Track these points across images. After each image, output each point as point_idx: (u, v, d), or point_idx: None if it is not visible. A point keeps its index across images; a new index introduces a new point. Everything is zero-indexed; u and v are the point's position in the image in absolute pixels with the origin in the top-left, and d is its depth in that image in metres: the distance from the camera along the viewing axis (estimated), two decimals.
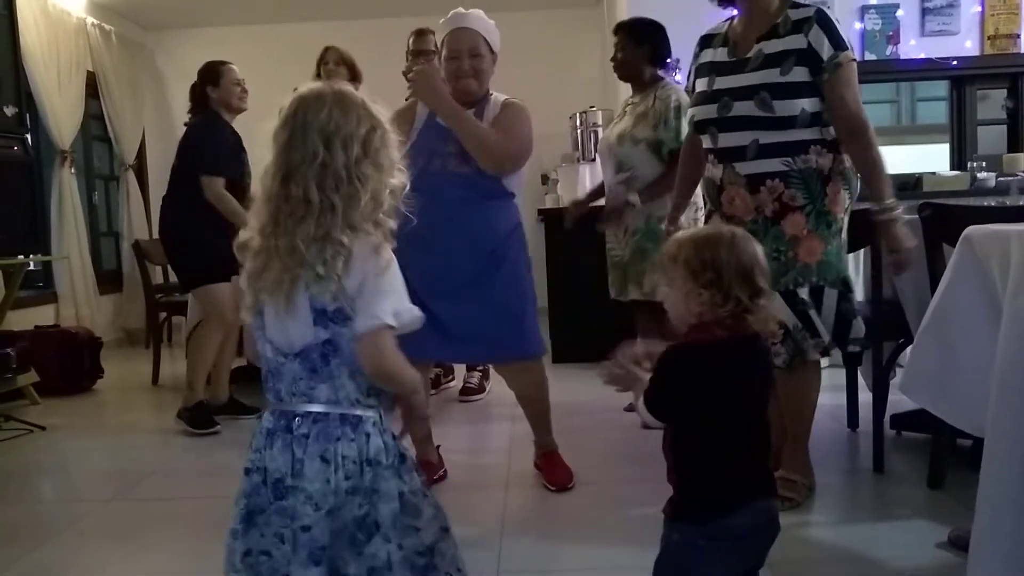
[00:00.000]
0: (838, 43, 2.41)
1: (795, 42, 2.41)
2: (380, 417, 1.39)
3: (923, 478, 2.63)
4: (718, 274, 1.37)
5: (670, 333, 1.46)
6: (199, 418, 3.67)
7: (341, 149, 1.30)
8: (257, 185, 1.37)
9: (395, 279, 1.34)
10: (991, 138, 5.49)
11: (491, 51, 2.74)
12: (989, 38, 5.08)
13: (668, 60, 3.62)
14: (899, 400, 3.04)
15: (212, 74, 3.80)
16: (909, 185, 4.82)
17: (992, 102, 5.56)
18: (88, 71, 6.13)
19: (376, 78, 3.39)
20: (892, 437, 3.08)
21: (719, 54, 2.57)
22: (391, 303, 1.32)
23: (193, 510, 2.74)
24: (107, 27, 6.38)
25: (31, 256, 4.62)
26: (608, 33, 3.47)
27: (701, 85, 2.58)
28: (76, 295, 5.79)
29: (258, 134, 4.25)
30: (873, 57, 5.08)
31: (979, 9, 5.06)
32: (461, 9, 2.77)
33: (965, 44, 5.08)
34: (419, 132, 2.73)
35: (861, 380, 3.23)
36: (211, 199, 3.66)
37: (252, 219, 1.36)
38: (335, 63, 4.16)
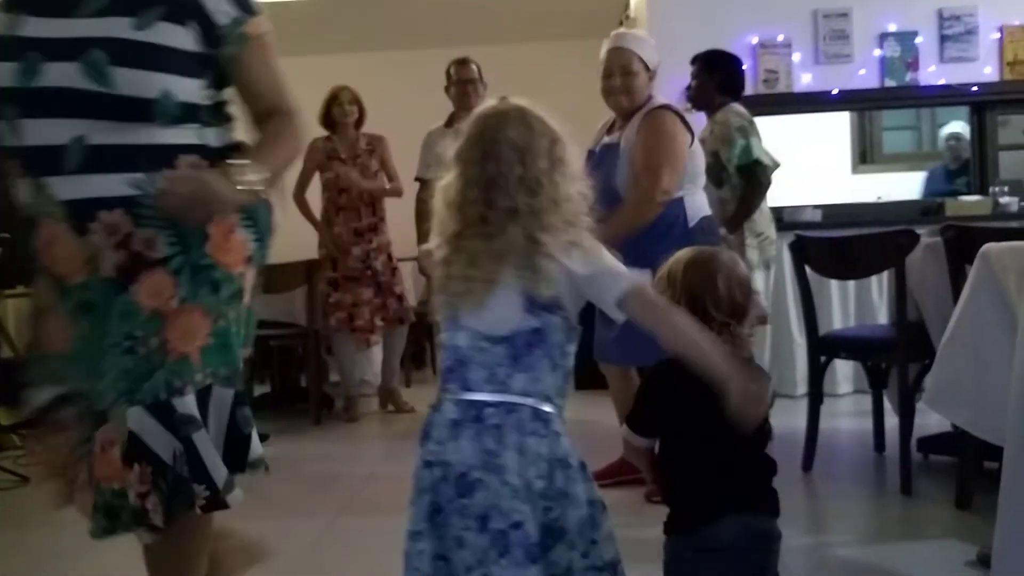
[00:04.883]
0: (246, 2, 1.54)
1: None
2: (563, 419, 1.37)
3: (951, 499, 2.62)
4: (675, 292, 1.42)
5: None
6: None
7: (534, 161, 1.35)
8: (438, 199, 1.41)
9: (609, 256, 1.36)
10: (1013, 163, 5.49)
11: (646, 68, 2.90)
12: (1008, 64, 5.10)
13: (741, 90, 3.78)
14: (926, 423, 3.05)
15: None
16: (932, 210, 4.82)
17: (1013, 127, 5.56)
18: None
19: (394, 108, 3.46)
20: (919, 460, 3.07)
21: None
22: (621, 270, 1.34)
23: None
24: None
25: None
26: None
27: None
28: None
29: None
30: (893, 83, 5.11)
31: (998, 36, 5.09)
32: (622, 29, 3.07)
33: (984, 70, 5.10)
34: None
35: (887, 404, 3.23)
36: None
37: (438, 229, 1.40)
38: (349, 103, 4.31)
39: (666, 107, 2.92)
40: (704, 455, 1.42)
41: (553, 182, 1.36)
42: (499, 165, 1.34)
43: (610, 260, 1.35)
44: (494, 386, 1.31)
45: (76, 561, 2.53)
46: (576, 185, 1.39)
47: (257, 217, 1.56)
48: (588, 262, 1.33)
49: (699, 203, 2.95)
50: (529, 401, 1.31)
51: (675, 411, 1.42)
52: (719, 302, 1.40)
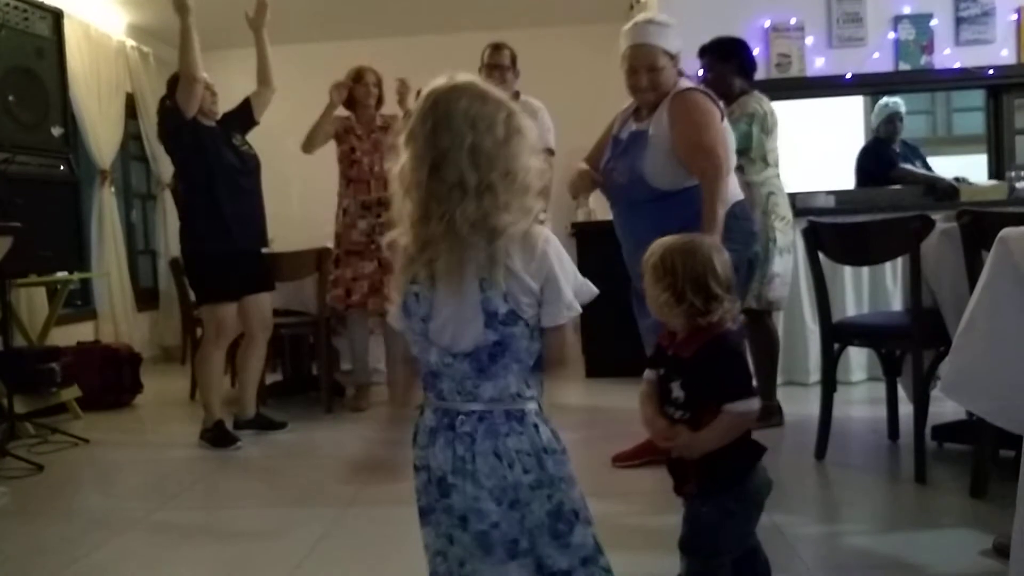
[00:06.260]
0: None
1: None
2: (539, 406, 1.39)
3: (966, 488, 2.59)
4: (674, 278, 1.59)
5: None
6: (219, 437, 3.72)
7: (487, 131, 1.31)
8: (395, 185, 1.37)
9: (564, 259, 1.35)
10: None
11: (670, 58, 2.87)
12: None
13: (754, 72, 3.76)
14: (940, 411, 3.03)
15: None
16: (946, 195, 4.76)
17: None
18: (127, 92, 6.26)
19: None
20: (934, 448, 3.04)
21: None
22: (569, 286, 1.34)
23: (231, 519, 2.77)
24: (145, 49, 6.51)
25: (74, 273, 4.72)
26: None
27: None
28: (115, 312, 5.89)
29: (287, 149, 4.29)
30: (907, 67, 5.04)
31: (1015, 17, 5.01)
32: (641, 16, 2.92)
33: (1001, 53, 5.02)
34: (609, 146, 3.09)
35: (901, 392, 3.20)
36: (184, 91, 3.62)
37: (398, 216, 1.37)
38: (373, 84, 4.29)
39: (693, 89, 2.89)
40: None
41: (510, 153, 1.32)
42: (452, 137, 1.30)
43: (562, 271, 1.33)
44: (464, 396, 1.35)
45: (90, 548, 2.54)
46: (534, 159, 1.36)
47: None
48: (545, 269, 1.32)
49: (732, 187, 2.92)
50: (500, 407, 1.34)
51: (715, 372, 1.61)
52: (719, 280, 1.59)
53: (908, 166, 5.28)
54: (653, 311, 1.66)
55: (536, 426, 1.35)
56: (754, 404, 1.58)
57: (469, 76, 1.38)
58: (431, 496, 1.36)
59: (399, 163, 1.36)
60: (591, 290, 1.38)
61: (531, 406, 1.36)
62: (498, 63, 4.16)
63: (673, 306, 1.59)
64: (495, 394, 1.34)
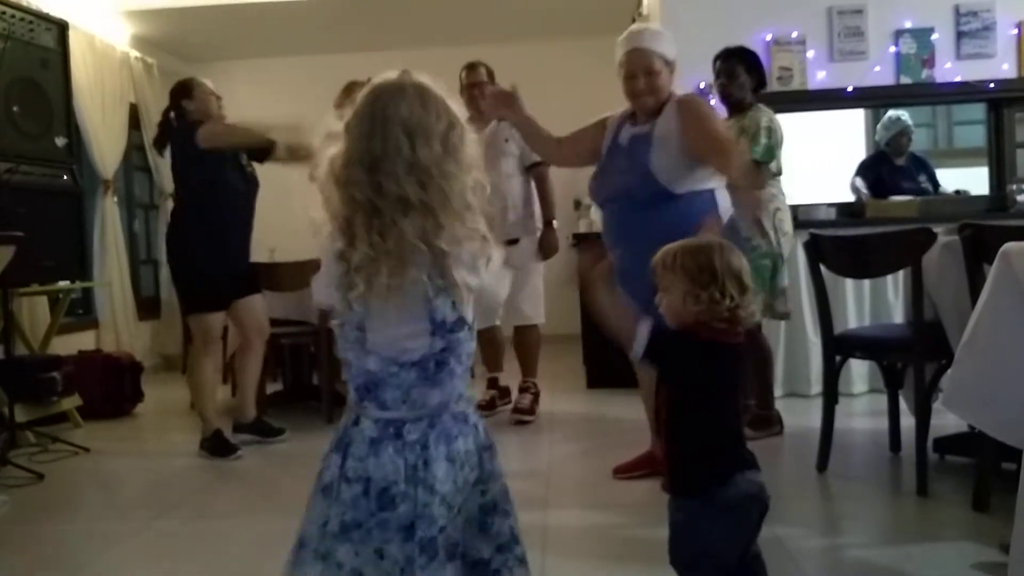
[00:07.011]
0: None
1: None
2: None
3: (968, 500, 2.58)
4: (714, 275, 1.55)
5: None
6: (218, 446, 3.71)
7: (423, 144, 1.27)
8: (324, 171, 1.31)
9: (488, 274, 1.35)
10: None
11: (666, 63, 2.87)
12: None
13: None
14: (942, 423, 3.02)
15: (185, 89, 3.83)
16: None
17: None
18: (131, 103, 6.28)
19: None
20: (935, 461, 3.03)
21: None
22: (499, 300, 1.39)
23: (231, 529, 2.77)
24: (149, 60, 6.54)
25: (76, 282, 4.72)
26: None
27: None
28: (116, 321, 5.89)
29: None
30: (909, 80, 5.06)
31: (1015, 31, 5.03)
32: (636, 26, 2.93)
33: (1002, 67, 5.04)
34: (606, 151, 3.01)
35: (903, 404, 3.20)
36: (216, 138, 3.68)
37: (325, 204, 1.31)
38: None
39: (693, 94, 2.92)
40: (713, 420, 1.58)
41: (445, 172, 1.27)
42: (386, 144, 1.25)
43: (493, 286, 1.37)
44: (410, 405, 1.33)
45: (90, 557, 2.54)
46: (471, 174, 1.32)
47: None
48: (481, 286, 1.33)
49: (726, 199, 2.92)
50: (447, 411, 1.34)
51: (689, 371, 1.58)
52: (748, 273, 1.60)
53: (858, 179, 5.33)
54: (676, 314, 1.60)
55: (477, 425, 1.37)
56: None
57: (420, 77, 1.33)
58: (362, 510, 1.29)
59: (334, 149, 1.31)
60: (495, 293, 1.42)
61: (471, 406, 1.39)
62: (477, 81, 4.24)
63: (718, 303, 1.55)
64: (442, 399, 1.33)
